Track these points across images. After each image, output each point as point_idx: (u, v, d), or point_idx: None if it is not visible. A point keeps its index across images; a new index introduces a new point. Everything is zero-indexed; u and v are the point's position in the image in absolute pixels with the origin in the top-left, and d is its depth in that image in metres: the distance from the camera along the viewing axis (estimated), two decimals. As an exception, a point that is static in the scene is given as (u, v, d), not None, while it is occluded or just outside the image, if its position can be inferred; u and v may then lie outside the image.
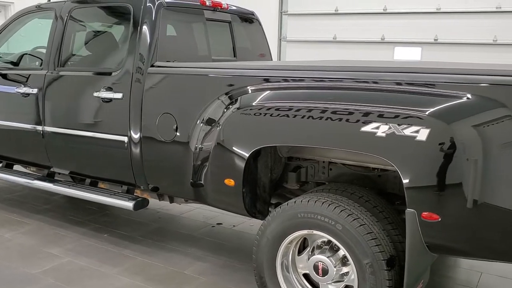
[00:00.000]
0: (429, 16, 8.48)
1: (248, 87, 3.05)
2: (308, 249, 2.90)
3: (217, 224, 4.59)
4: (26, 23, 4.62)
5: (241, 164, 2.96)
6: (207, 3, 4.11)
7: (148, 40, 3.58)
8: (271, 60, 4.92)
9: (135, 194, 3.94)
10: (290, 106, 2.79)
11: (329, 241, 2.79)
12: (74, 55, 4.14)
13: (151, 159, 3.54)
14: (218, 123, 3.11)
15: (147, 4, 3.65)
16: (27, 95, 4.17)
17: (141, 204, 3.76)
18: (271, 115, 2.83)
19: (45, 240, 4.09)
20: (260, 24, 4.79)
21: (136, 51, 3.59)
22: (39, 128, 4.12)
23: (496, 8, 8.07)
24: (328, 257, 2.76)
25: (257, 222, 4.39)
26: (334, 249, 2.78)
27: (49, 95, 4.05)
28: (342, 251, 2.71)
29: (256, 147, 2.90)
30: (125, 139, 3.62)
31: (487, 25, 8.22)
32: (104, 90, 3.69)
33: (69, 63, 4.08)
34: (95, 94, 3.73)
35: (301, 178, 3.34)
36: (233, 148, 3.00)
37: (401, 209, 3.13)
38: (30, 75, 4.22)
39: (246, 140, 2.96)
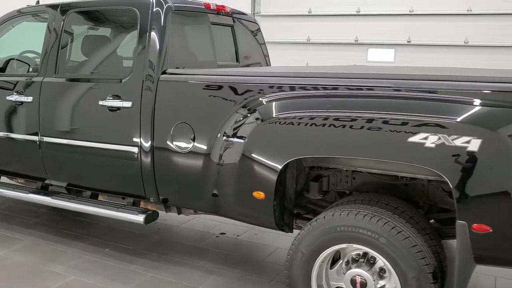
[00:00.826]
0: (402, 18, 8.63)
1: (276, 95, 2.96)
2: (341, 262, 2.85)
3: (221, 234, 4.47)
4: (12, 27, 4.32)
5: (273, 177, 2.87)
6: (211, 7, 3.98)
7: (158, 46, 3.42)
8: (269, 65, 4.84)
9: (140, 206, 3.76)
10: (326, 116, 2.72)
11: (365, 254, 2.74)
12: (73, 61, 3.91)
13: (164, 170, 3.38)
14: (244, 134, 3.00)
15: (155, 9, 3.48)
16: (20, 103, 3.90)
17: (151, 217, 3.59)
18: (305, 125, 2.75)
19: (44, 257, 3.84)
20: (259, 27, 4.70)
21: (145, 57, 3.42)
22: (35, 138, 3.86)
23: (467, 10, 8.33)
24: (366, 270, 2.71)
25: (260, 231, 4.32)
26: (370, 262, 2.74)
27: (46, 103, 3.80)
28: (380, 264, 2.67)
29: (290, 159, 2.82)
30: (135, 149, 3.44)
31: (458, 27, 8.47)
32: (111, 98, 3.49)
33: (67, 69, 3.85)
34: (101, 102, 3.53)
35: (323, 188, 3.28)
36: (264, 160, 2.90)
37: (431, 217, 3.15)
38: (23, 82, 3.94)
39: (278, 152, 2.86)
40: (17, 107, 3.92)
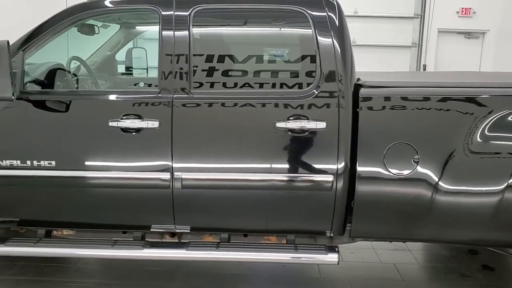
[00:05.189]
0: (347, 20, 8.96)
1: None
2: None
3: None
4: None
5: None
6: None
7: (345, 55, 2.93)
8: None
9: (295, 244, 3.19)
10: None
11: None
12: (216, 71, 3.07)
13: (369, 198, 2.91)
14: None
15: (330, 12, 2.96)
16: (136, 130, 2.92)
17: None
18: None
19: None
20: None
21: (336, 68, 2.89)
22: (165, 176, 2.94)
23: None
24: None
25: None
26: None
27: (185, 129, 2.93)
28: None
29: None
30: (329, 178, 2.89)
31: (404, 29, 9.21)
32: (293, 119, 2.86)
33: (208, 83, 3.02)
34: (279, 125, 2.86)
35: None
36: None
37: None
38: (134, 102, 2.95)
39: None
40: (130, 135, 2.93)
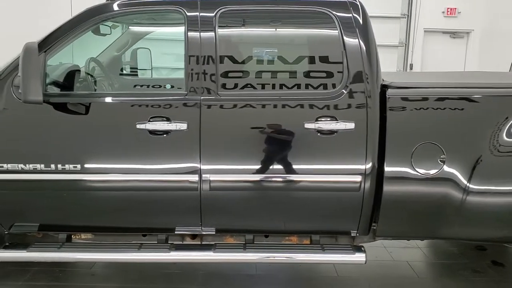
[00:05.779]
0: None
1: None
2: None
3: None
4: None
5: None
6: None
7: (370, 55, 2.96)
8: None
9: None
10: None
11: None
12: (243, 72, 3.06)
13: (396, 198, 2.95)
14: None
15: (355, 13, 2.99)
16: (164, 132, 2.89)
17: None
18: None
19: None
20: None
21: (363, 68, 2.91)
22: (193, 178, 2.92)
23: (401, 14, 9.18)
24: None
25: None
26: None
27: (213, 130, 2.91)
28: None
29: None
30: (358, 178, 2.92)
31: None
32: (324, 120, 2.87)
33: (235, 85, 3.00)
34: (307, 125, 2.87)
35: None
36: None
37: None
38: (162, 104, 2.92)
39: None
40: (157, 137, 2.90)
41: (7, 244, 3.09)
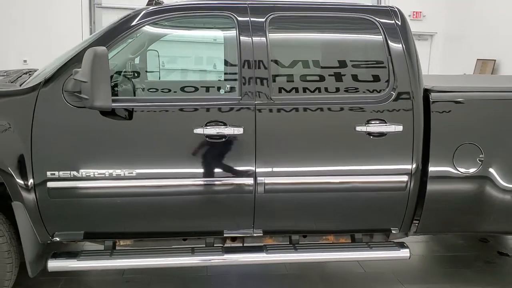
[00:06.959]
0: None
1: None
2: None
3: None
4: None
5: None
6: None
7: (411, 60, 3.13)
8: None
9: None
10: None
11: None
12: (292, 76, 3.13)
13: (438, 196, 3.13)
14: None
15: (397, 19, 3.15)
16: (221, 137, 2.92)
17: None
18: None
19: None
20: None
21: (408, 72, 3.08)
22: (248, 181, 2.97)
23: None
24: None
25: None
26: None
27: (267, 134, 2.97)
28: None
29: None
30: (405, 178, 3.07)
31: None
32: (374, 123, 3.00)
33: (287, 89, 3.07)
34: (358, 128, 2.99)
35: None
36: None
37: None
38: (219, 109, 2.95)
39: None
40: (213, 142, 2.93)
41: (54, 253, 3.00)
